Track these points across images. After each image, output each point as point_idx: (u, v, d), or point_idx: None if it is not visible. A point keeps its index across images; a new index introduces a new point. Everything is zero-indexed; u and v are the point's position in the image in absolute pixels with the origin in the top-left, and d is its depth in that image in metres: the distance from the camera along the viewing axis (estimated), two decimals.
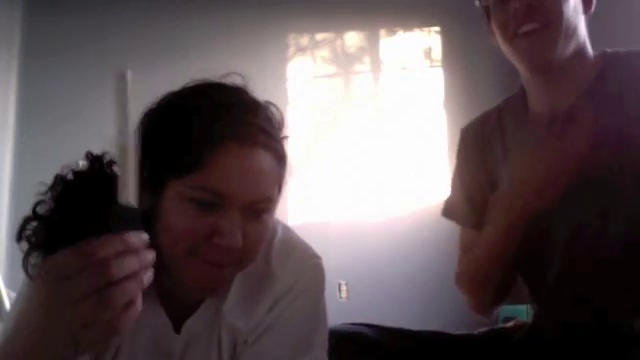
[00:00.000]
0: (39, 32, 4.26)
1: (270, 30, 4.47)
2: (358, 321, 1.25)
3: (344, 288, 4.19)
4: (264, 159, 0.85)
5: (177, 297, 0.94)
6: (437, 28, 4.57)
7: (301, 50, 4.58)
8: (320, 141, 4.42)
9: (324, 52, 4.60)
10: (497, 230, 1.13)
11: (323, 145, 4.42)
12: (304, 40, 4.60)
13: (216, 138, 0.82)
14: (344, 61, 4.62)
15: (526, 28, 1.11)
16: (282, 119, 0.93)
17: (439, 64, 4.57)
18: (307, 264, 0.98)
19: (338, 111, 4.51)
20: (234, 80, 0.91)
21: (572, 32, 1.12)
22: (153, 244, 0.86)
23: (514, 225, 1.10)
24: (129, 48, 4.25)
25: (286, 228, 1.01)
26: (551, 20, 1.10)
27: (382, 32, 4.64)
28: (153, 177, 0.85)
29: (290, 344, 0.93)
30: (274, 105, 0.93)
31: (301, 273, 0.96)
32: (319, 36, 4.62)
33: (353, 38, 4.63)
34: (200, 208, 0.83)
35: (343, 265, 4.06)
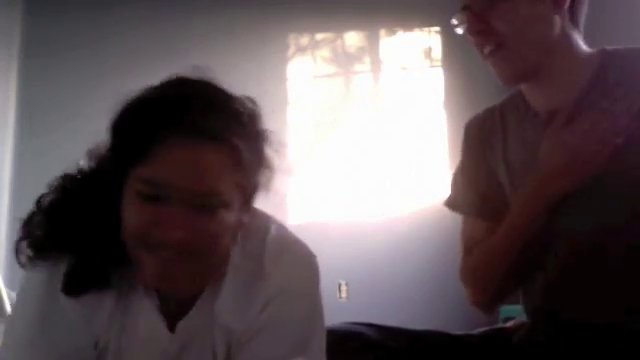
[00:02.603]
0: (39, 32, 4.26)
1: (270, 30, 4.47)
2: (358, 321, 1.25)
3: (344, 288, 4.19)
4: (211, 153, 0.83)
5: (170, 296, 0.94)
6: (437, 28, 4.57)
7: (301, 50, 4.58)
8: (320, 141, 4.42)
9: (324, 52, 4.60)
10: (522, 214, 1.15)
11: (323, 145, 4.42)
12: (304, 40, 4.60)
13: (160, 130, 0.82)
14: (344, 61, 4.62)
15: (486, 50, 1.15)
16: (256, 113, 0.91)
17: (439, 64, 4.57)
18: (301, 263, 0.97)
19: (338, 111, 4.51)
20: (204, 74, 0.90)
21: (536, 41, 1.13)
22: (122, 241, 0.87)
23: (539, 210, 1.12)
24: (129, 48, 4.25)
25: (280, 226, 0.99)
26: (501, 41, 1.13)
27: (382, 32, 4.64)
28: (117, 174, 0.86)
29: (285, 345, 0.92)
30: (249, 99, 0.91)
31: (295, 273, 0.95)
32: (319, 36, 4.63)
33: (353, 38, 4.64)
34: (144, 201, 0.83)
35: (343, 265, 4.06)
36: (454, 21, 1.19)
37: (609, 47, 1.18)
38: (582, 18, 1.19)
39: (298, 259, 0.97)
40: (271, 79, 4.39)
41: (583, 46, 1.18)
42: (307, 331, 0.94)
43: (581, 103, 1.12)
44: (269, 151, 0.92)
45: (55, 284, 0.89)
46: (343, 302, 4.12)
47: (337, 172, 4.37)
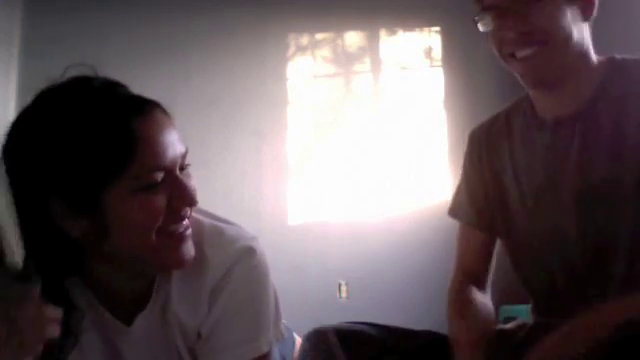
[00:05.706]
0: (39, 32, 4.26)
1: (270, 30, 4.47)
2: (358, 321, 1.25)
3: (344, 288, 4.19)
4: (165, 117, 0.92)
5: (119, 297, 0.95)
6: (437, 28, 4.57)
7: (301, 50, 4.57)
8: (320, 141, 4.42)
9: (324, 52, 4.60)
10: None
11: (323, 145, 4.42)
12: (304, 40, 4.60)
13: (129, 127, 0.87)
14: (344, 61, 4.62)
15: (520, 54, 1.11)
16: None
17: (439, 64, 4.57)
18: (239, 247, 0.98)
19: (338, 111, 4.51)
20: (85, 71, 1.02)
21: (570, 45, 1.12)
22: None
23: None
24: (129, 48, 4.25)
25: (212, 217, 1.02)
26: (545, 41, 1.10)
27: (382, 32, 4.63)
28: (83, 197, 0.86)
29: (246, 327, 0.95)
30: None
31: (235, 257, 0.96)
32: (319, 36, 4.62)
33: (353, 38, 4.63)
34: (153, 191, 0.87)
35: (343, 265, 4.06)
36: (477, 18, 1.16)
37: (618, 56, 1.18)
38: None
39: (236, 244, 0.98)
40: (271, 79, 4.38)
41: (593, 54, 1.18)
42: (263, 308, 0.97)
43: (586, 113, 1.13)
44: None
45: None
46: (343, 302, 4.12)
47: (337, 172, 4.37)
